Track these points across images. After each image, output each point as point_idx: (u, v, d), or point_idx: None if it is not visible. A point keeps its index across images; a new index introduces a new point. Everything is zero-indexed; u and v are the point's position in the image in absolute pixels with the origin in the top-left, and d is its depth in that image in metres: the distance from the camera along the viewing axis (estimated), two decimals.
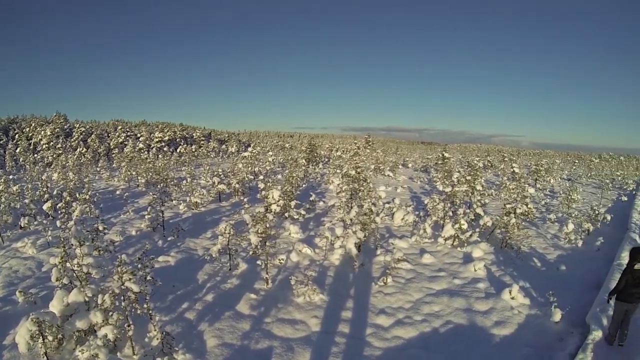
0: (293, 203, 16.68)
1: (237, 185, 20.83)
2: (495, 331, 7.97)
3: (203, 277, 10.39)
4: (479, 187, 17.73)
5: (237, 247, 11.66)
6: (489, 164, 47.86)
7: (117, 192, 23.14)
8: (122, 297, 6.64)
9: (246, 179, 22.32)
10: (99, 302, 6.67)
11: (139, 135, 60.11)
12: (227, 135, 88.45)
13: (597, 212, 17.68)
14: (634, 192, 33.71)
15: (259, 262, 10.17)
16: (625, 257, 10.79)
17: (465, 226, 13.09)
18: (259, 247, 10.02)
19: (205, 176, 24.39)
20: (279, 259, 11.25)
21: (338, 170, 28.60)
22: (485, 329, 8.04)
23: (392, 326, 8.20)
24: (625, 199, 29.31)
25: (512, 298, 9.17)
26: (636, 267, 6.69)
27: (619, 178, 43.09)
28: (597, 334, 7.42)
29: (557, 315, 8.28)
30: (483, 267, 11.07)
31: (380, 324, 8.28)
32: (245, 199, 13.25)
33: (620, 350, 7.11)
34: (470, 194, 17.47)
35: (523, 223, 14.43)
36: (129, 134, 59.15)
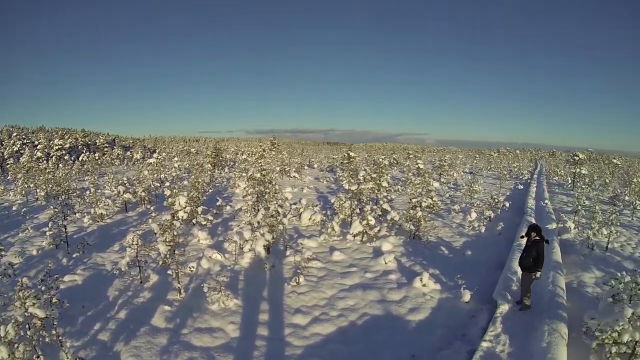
0: (200, 209, 17.03)
1: (143, 194, 20.87)
2: (411, 317, 9.04)
3: (114, 293, 10.17)
4: (384, 184, 19.26)
5: (147, 258, 11.68)
6: (395, 162, 51.87)
7: (14, 208, 21.05)
8: (27, 326, 6.25)
9: (152, 186, 22.51)
10: (2, 334, 6.08)
11: (36, 142, 57.10)
12: (132, 141, 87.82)
13: (496, 200, 20.54)
14: (528, 181, 39.26)
15: (169, 272, 10.21)
16: (523, 239, 13.01)
17: (372, 222, 14.42)
18: (168, 256, 10.00)
19: (110, 185, 24.35)
20: (190, 267, 11.47)
21: (244, 174, 29.45)
22: (401, 317, 9.07)
23: (309, 324, 8.80)
24: (522, 187, 34.21)
25: (424, 285, 10.48)
26: (522, 241, 8.29)
27: (516, 169, 49.94)
28: (503, 308, 8.92)
29: (467, 296, 9.74)
30: (393, 259, 12.39)
31: (297, 323, 8.82)
32: (152, 208, 13.09)
33: (524, 317, 8.59)
34: (376, 191, 18.97)
35: (429, 215, 16.08)
36: (25, 141, 56.07)
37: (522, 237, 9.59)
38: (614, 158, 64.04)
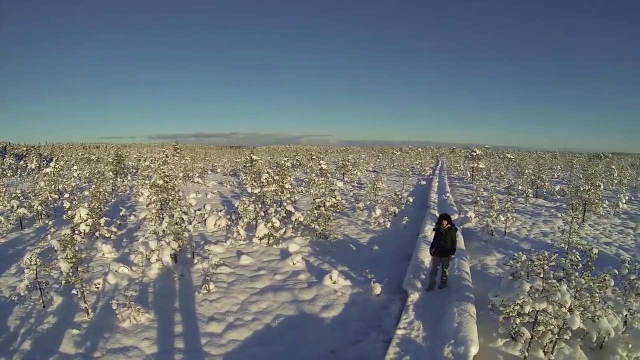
0: (103, 220, 16.00)
1: (40, 208, 19.12)
2: (325, 315, 9.29)
3: (15, 322, 9.12)
4: (288, 186, 19.57)
5: (48, 279, 10.67)
6: (298, 163, 52.66)
7: None
8: None
9: (50, 199, 20.97)
10: None
11: None
12: (26, 149, 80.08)
13: (400, 196, 21.84)
14: (431, 177, 42.10)
15: (74, 291, 9.42)
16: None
17: (278, 224, 14.66)
18: (71, 274, 9.23)
19: (2, 200, 21.92)
20: (96, 284, 10.78)
21: (147, 181, 28.53)
22: (316, 315, 9.27)
23: (225, 331, 8.65)
24: (424, 183, 36.65)
25: (334, 282, 10.83)
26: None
27: (418, 166, 53.33)
28: (414, 297, 9.58)
29: (378, 289, 10.31)
30: (302, 260, 12.68)
31: (213, 332, 8.63)
32: (51, 222, 12.03)
33: (435, 303, 9.30)
34: (280, 193, 19.20)
35: (334, 214, 16.68)
36: None
37: (435, 229, 10.53)
38: (508, 153, 71.46)
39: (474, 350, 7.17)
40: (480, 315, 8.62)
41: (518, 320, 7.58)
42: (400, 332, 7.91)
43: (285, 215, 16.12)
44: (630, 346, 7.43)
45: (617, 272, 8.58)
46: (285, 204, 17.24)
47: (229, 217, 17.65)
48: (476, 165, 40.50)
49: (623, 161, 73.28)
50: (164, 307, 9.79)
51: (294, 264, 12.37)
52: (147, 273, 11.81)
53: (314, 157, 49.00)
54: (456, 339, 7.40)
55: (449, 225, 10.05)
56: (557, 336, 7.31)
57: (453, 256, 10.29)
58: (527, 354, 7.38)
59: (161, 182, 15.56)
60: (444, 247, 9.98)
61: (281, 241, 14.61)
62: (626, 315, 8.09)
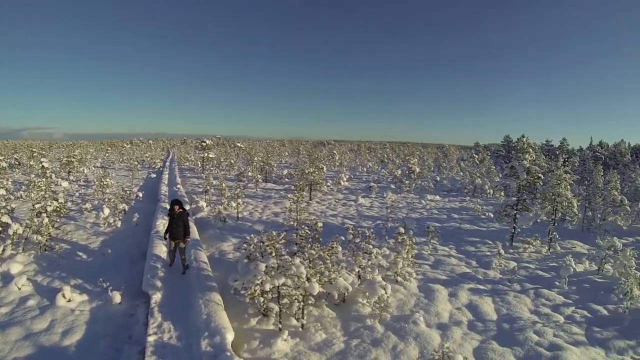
0: None
1: None
2: (67, 342, 7.73)
3: None
4: (2, 192, 16.00)
5: None
6: (17, 163, 43.72)
7: None
8: None
9: None
10: None
11: None
12: None
13: (129, 192, 20.56)
14: (161, 170, 40.77)
15: None
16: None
17: None
18: None
19: None
20: None
21: None
22: (56, 346, 7.60)
23: None
24: (154, 176, 35.18)
25: (69, 300, 9.17)
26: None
27: (148, 159, 50.93)
28: (157, 297, 9.09)
29: (117, 297, 9.30)
30: (27, 282, 10.09)
31: None
32: None
33: (179, 299, 9.09)
34: None
35: (59, 220, 14.42)
36: None
37: (168, 214, 11.11)
38: (238, 142, 74.76)
39: (230, 336, 7.30)
40: (227, 300, 8.84)
41: (262, 299, 8.11)
42: (151, 339, 7.40)
43: (0, 229, 12.98)
44: (367, 294, 8.93)
45: (343, 238, 10.11)
46: None
47: None
48: (206, 154, 41.17)
49: (343, 147, 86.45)
50: None
51: (20, 289, 9.77)
52: None
53: (35, 154, 41.89)
54: (209, 330, 7.41)
55: (180, 210, 10.77)
56: (302, 303, 8.08)
57: (188, 239, 10.84)
58: (280, 325, 7.95)
59: None
60: (177, 230, 10.59)
61: (1, 263, 11.48)
62: (358, 271, 9.66)
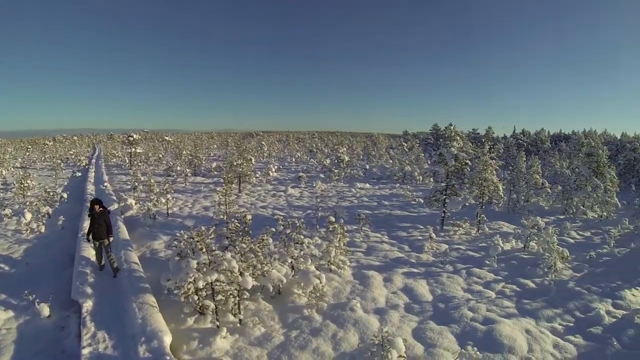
0: None
1: None
2: None
3: None
4: None
5: None
6: None
7: None
8: None
9: None
10: None
11: None
12: None
13: (52, 193, 19.19)
14: (87, 167, 38.56)
15: None
16: (87, 226, 12.66)
17: None
18: None
19: None
20: None
21: None
22: None
23: None
24: (80, 174, 33.20)
25: None
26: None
27: (73, 157, 48.00)
28: (88, 305, 8.40)
29: (46, 310, 8.43)
30: None
31: None
32: None
33: (112, 305, 8.47)
34: None
35: None
36: None
37: (89, 214, 10.52)
38: (167, 136, 72.22)
39: (168, 339, 6.96)
40: (162, 301, 8.41)
41: (197, 297, 7.84)
42: (86, 351, 6.82)
43: None
44: (302, 284, 8.88)
45: (274, 230, 9.99)
46: None
47: None
48: (134, 150, 39.43)
49: (272, 137, 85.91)
50: None
51: None
52: None
53: None
54: (146, 334, 6.99)
55: (101, 209, 10.40)
56: (238, 298, 7.90)
57: (111, 237, 10.44)
58: (218, 322, 7.72)
59: None
60: (99, 229, 10.15)
61: None
62: (291, 262, 9.56)
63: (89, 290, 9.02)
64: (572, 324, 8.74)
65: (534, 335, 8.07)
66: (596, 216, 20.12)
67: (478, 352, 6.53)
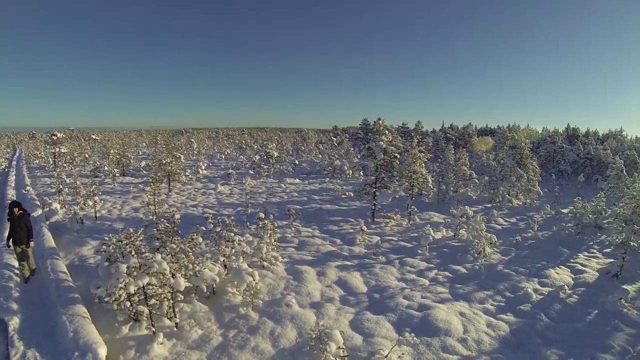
0: None
1: None
2: None
3: None
4: None
5: None
6: None
7: None
8: None
9: None
10: None
11: None
12: None
13: None
14: (7, 170, 35.92)
15: None
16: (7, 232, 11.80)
17: None
18: None
19: None
20: None
21: None
22: None
23: None
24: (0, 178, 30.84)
25: None
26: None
27: None
28: (14, 322, 7.78)
29: None
30: None
31: None
32: None
33: (41, 321, 7.91)
34: None
35: None
36: None
37: (8, 219, 10.01)
38: (93, 134, 68.50)
39: (103, 351, 6.60)
40: (94, 311, 8.03)
41: (129, 303, 7.57)
42: None
43: None
44: (236, 282, 8.84)
45: (204, 228, 9.86)
46: None
47: None
48: (58, 150, 36.98)
49: (202, 134, 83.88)
50: None
51: None
52: None
53: None
54: (79, 348, 6.57)
55: (21, 211, 9.91)
56: (172, 301, 7.73)
57: (32, 242, 10.00)
58: (153, 328, 7.50)
59: None
60: (20, 234, 9.72)
61: None
62: (223, 261, 9.48)
63: (14, 305, 8.36)
64: (503, 304, 9.48)
65: (468, 317, 8.62)
66: (520, 203, 21.64)
67: (416, 338, 6.83)
